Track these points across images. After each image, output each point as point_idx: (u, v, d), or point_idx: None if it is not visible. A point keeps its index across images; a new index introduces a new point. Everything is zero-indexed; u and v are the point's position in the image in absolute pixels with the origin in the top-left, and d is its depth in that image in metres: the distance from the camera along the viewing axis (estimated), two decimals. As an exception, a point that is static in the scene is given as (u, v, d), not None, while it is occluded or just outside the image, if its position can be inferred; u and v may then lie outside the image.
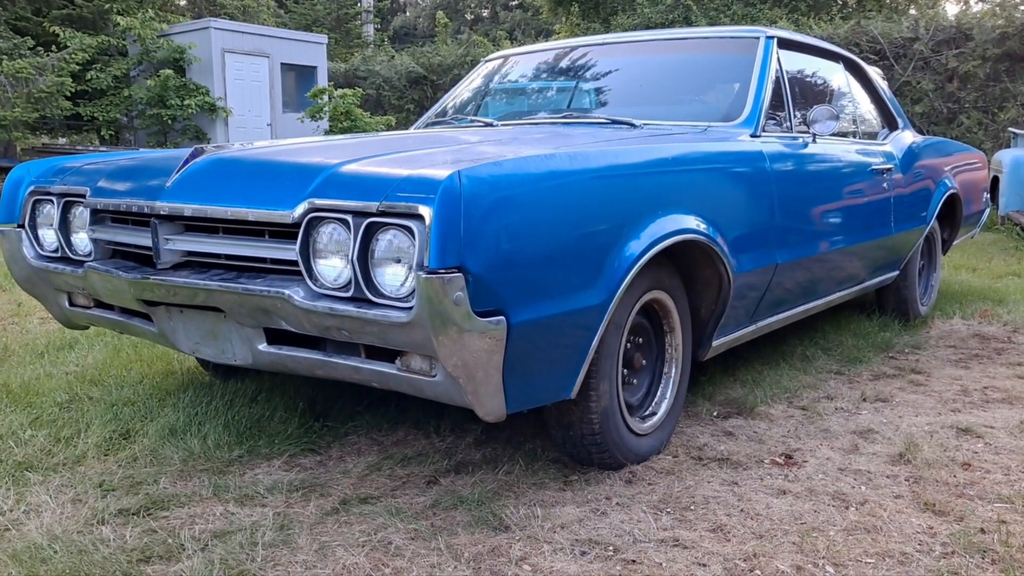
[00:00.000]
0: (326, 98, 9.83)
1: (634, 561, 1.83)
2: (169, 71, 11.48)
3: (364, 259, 1.85)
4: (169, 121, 11.56)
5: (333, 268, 1.93)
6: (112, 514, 2.02)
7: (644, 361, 2.48)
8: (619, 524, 1.99)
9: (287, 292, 1.95)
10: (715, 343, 2.72)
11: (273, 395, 2.82)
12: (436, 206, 1.72)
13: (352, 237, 1.85)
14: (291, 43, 12.91)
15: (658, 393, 2.52)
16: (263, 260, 2.08)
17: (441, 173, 1.76)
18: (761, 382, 3.11)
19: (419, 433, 2.60)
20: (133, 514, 2.03)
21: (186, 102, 11.41)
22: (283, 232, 2.01)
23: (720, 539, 1.93)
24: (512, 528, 1.97)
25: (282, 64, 12.75)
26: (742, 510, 2.07)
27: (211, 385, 2.95)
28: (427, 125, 3.64)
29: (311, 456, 2.43)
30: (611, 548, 1.88)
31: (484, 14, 26.35)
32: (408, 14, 26.04)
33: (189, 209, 2.12)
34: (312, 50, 13.15)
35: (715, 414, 2.81)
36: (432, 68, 13.37)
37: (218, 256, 2.16)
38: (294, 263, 1.97)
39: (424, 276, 1.71)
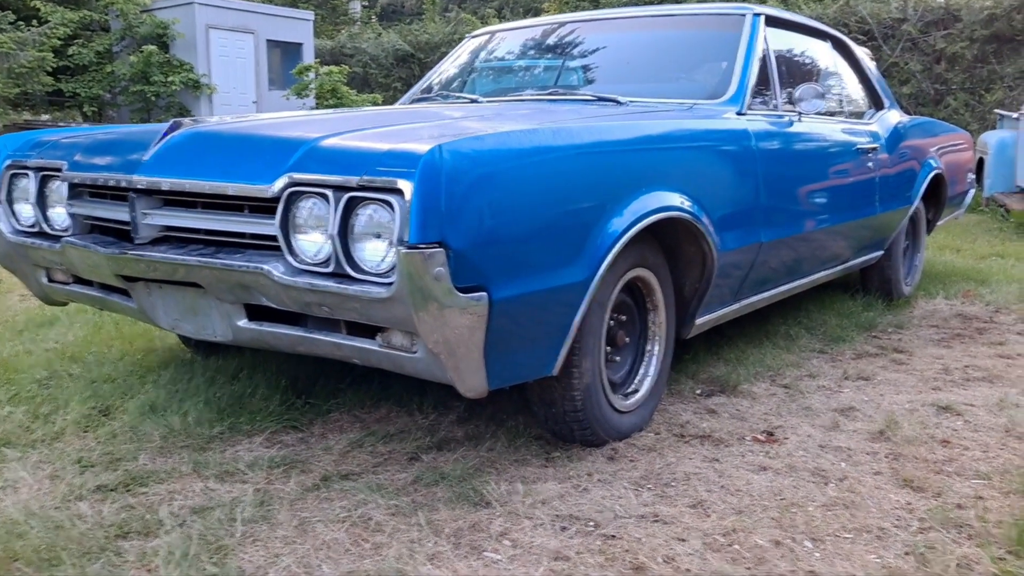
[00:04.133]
0: (312, 75, 9.73)
1: (614, 536, 1.83)
2: (152, 47, 11.34)
3: (344, 234, 1.84)
4: (153, 98, 11.43)
5: (313, 243, 1.91)
6: (90, 490, 2.01)
7: (627, 339, 2.48)
8: (600, 500, 2.00)
9: (266, 267, 1.93)
10: (699, 321, 2.72)
11: (255, 372, 2.80)
12: (416, 180, 1.71)
13: (332, 212, 1.84)
14: (277, 19, 12.77)
15: (641, 371, 2.52)
16: (243, 235, 2.05)
17: (422, 147, 1.74)
18: (744, 360, 3.12)
19: (402, 410, 2.59)
20: (111, 490, 2.02)
21: (170, 78, 11.28)
22: (262, 207, 1.99)
23: (700, 515, 1.94)
24: (493, 504, 1.97)
25: (268, 41, 12.62)
26: (722, 486, 2.08)
27: (192, 362, 2.93)
28: (412, 101, 3.61)
29: (293, 433, 2.42)
30: (591, 524, 1.89)
31: (472, -9, 26.10)
32: (396, -9, 25.75)
33: (167, 183, 2.09)
34: (298, 27, 13.01)
35: (698, 392, 2.82)
36: (419, 46, 13.25)
37: (197, 231, 2.13)
38: (274, 238, 1.95)
39: (404, 251, 1.70)
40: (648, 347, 2.55)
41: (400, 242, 1.72)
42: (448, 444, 2.34)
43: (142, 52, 11.18)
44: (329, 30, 16.70)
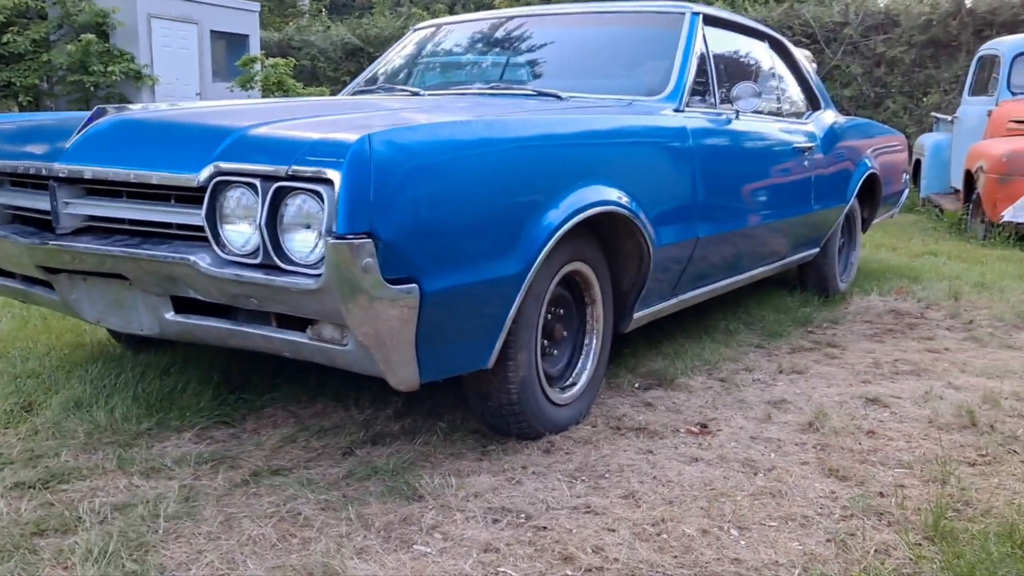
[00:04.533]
0: (257, 67, 9.56)
1: (545, 528, 1.83)
2: (91, 36, 11.02)
3: (272, 225, 1.81)
4: (91, 88, 11.12)
5: (241, 234, 1.87)
6: (7, 487, 1.95)
7: (565, 332, 2.48)
8: (533, 492, 2.00)
9: (193, 258, 1.89)
10: (637, 315, 2.74)
11: (187, 367, 2.74)
12: (345, 170, 1.69)
13: (260, 202, 1.80)
14: (221, 10, 12.53)
15: (579, 364, 2.53)
16: (169, 225, 2.01)
17: (351, 137, 1.72)
18: (683, 354, 3.16)
19: (338, 405, 2.56)
20: (30, 487, 1.96)
21: (109, 68, 10.98)
22: (189, 196, 1.94)
23: (631, 505, 1.95)
24: (425, 497, 1.96)
25: (212, 31, 12.37)
26: (655, 477, 2.10)
27: (122, 357, 2.86)
28: (354, 93, 3.57)
29: (224, 429, 2.38)
30: (523, 515, 1.89)
31: (424, -13, 25.93)
32: (346, -15, 25.44)
33: (90, 171, 2.04)
34: (244, 18, 12.79)
35: (636, 385, 2.84)
36: (369, 40, 13.12)
37: (121, 221, 2.08)
38: (200, 229, 1.91)
39: (332, 241, 1.68)
40: (586, 341, 2.56)
41: (328, 232, 1.69)
42: (383, 439, 2.32)
43: (80, 41, 10.87)
44: (277, 22, 16.45)
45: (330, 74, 12.89)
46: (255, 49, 12.45)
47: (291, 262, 1.80)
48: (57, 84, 11.95)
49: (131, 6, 11.55)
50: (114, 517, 1.82)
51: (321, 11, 17.84)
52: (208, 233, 1.89)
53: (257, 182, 1.81)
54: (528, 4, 12.88)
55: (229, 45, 12.55)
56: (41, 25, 12.03)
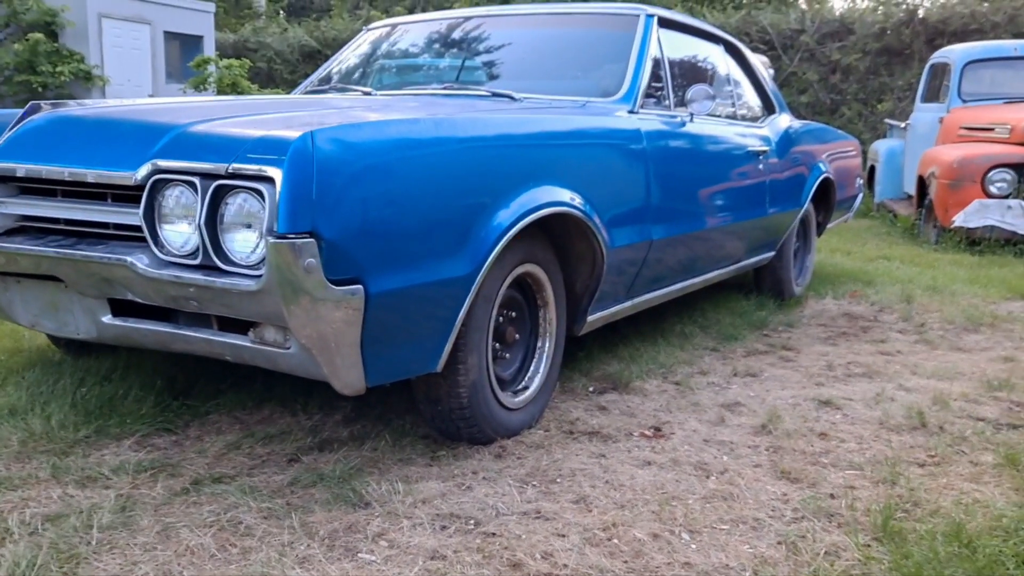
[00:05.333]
0: (211, 68, 9.40)
1: (494, 534, 1.80)
2: (39, 35, 10.75)
3: (212, 224, 1.75)
4: (39, 89, 10.84)
5: (180, 234, 1.81)
6: (-68, 500, 1.86)
7: (517, 335, 2.45)
8: (483, 498, 1.96)
9: (130, 259, 1.82)
10: (591, 318, 2.72)
11: (129, 372, 2.66)
12: (286, 168, 1.64)
13: (199, 201, 1.75)
14: (175, 10, 12.31)
15: (531, 368, 2.50)
16: (105, 225, 1.94)
17: (292, 134, 1.67)
18: (638, 358, 3.15)
19: (285, 411, 2.50)
20: (-44, 499, 1.87)
21: (58, 69, 10.71)
22: (126, 195, 1.88)
23: (582, 510, 1.92)
24: (372, 504, 1.91)
25: (165, 32, 12.15)
26: (607, 481, 2.08)
27: (61, 363, 2.77)
28: (306, 93, 3.51)
29: (166, 436, 2.30)
30: (472, 522, 1.85)
31: (386, -9, 25.78)
32: (306, -13, 25.15)
33: (22, 169, 1.96)
34: (198, 18, 12.58)
35: (591, 389, 2.82)
36: (327, 42, 13.00)
37: (56, 221, 2.00)
38: (138, 229, 1.85)
39: (273, 241, 1.63)
40: (539, 344, 2.53)
41: (269, 232, 1.64)
42: (331, 444, 2.26)
43: (28, 40, 10.60)
44: (233, 23, 16.21)
45: (287, 76, 12.75)
46: (210, 50, 12.25)
47: (231, 263, 1.75)
48: (3, 84, 11.64)
49: (81, 5, 11.30)
50: (45, 528, 1.74)
51: (278, 13, 17.65)
52: (146, 233, 1.83)
53: (196, 180, 1.76)
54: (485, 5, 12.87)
55: (183, 46, 12.34)
56: (-13, 23, 11.72)
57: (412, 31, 3.76)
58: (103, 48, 11.45)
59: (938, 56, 7.63)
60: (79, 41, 11.35)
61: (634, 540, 1.78)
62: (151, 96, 11.84)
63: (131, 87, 11.74)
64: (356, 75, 3.60)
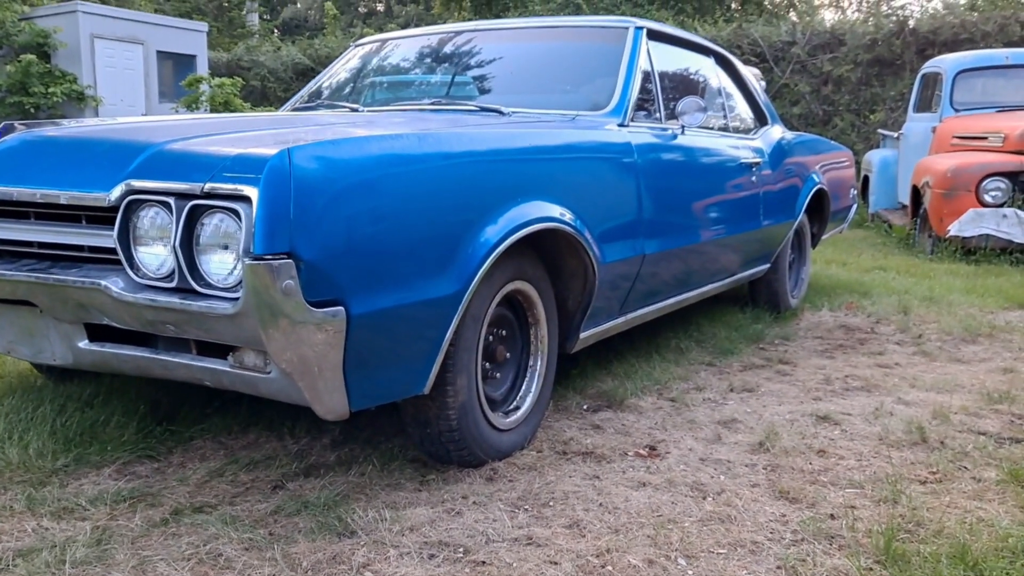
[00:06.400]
0: (204, 87, 9.37)
1: (484, 563, 1.74)
2: (31, 56, 10.73)
3: (188, 246, 1.70)
4: (32, 110, 10.80)
5: (155, 256, 1.76)
6: (-101, 535, 1.79)
7: (508, 354, 2.39)
8: (472, 524, 1.90)
9: (104, 283, 1.77)
10: (583, 335, 2.66)
11: (112, 398, 2.59)
12: (262, 186, 1.59)
13: (175, 221, 1.69)
14: (168, 30, 12.31)
15: (523, 387, 2.45)
16: (80, 248, 1.88)
17: (269, 151, 1.62)
18: (633, 374, 3.09)
19: (271, 435, 2.44)
20: (-75, 534, 1.80)
21: (51, 90, 10.68)
22: (100, 217, 1.83)
23: (575, 535, 1.86)
24: (358, 533, 1.85)
25: (158, 52, 12.13)
26: (600, 504, 2.02)
27: (42, 388, 2.70)
28: (293, 110, 3.46)
29: (148, 463, 2.24)
30: (461, 550, 1.79)
31: (379, 8, 25.91)
32: (299, 5, 25.26)
33: (-7, 191, 1.90)
34: (191, 38, 12.57)
35: (584, 407, 2.76)
36: (320, 60, 13.00)
37: (30, 244, 1.95)
38: (113, 251, 1.79)
39: (249, 262, 1.57)
40: (530, 362, 2.47)
41: (246, 253, 1.59)
42: (317, 470, 2.20)
43: (20, 62, 10.57)
44: (226, 43, 16.22)
45: (280, 95, 12.73)
46: (203, 69, 12.24)
47: (208, 285, 1.70)
48: (-4, 105, 11.61)
49: (73, 26, 11.28)
50: (15, 564, 1.68)
51: (272, 31, 17.67)
52: (121, 255, 1.77)
53: (171, 200, 1.71)
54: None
55: (176, 65, 12.32)
56: (-20, 45, 11.69)
57: (402, 46, 3.73)
58: (96, 68, 11.42)
59: (930, 66, 7.62)
60: (72, 62, 11.33)
61: (629, 567, 1.72)
62: (144, 115, 11.82)
63: (124, 107, 11.71)
64: (345, 91, 3.56)
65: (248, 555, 1.74)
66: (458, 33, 3.56)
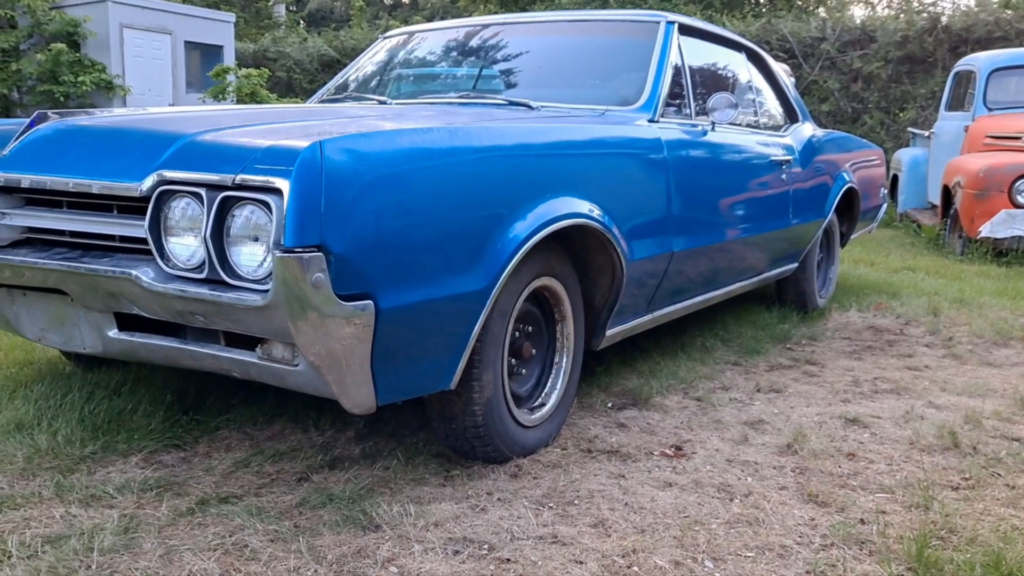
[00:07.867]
0: (231, 78, 9.41)
1: (509, 560, 1.73)
2: (62, 45, 10.82)
3: (219, 237, 1.70)
4: (62, 98, 10.90)
5: (186, 247, 1.76)
6: (-69, 519, 1.81)
7: (534, 351, 2.38)
8: (497, 521, 1.89)
9: (135, 273, 1.77)
10: (610, 332, 2.64)
11: (140, 386, 2.61)
12: (293, 179, 1.58)
13: (205, 213, 1.69)
14: (195, 20, 12.37)
15: (548, 384, 2.43)
16: (111, 238, 1.89)
17: (300, 144, 1.62)
18: (658, 373, 3.07)
19: (296, 427, 2.44)
20: (-44, 519, 1.82)
21: (80, 78, 10.77)
22: (132, 207, 1.83)
23: (600, 535, 1.85)
24: (382, 527, 1.84)
25: (186, 42, 12.20)
26: (626, 503, 2.00)
27: (71, 376, 2.72)
28: (321, 102, 3.46)
29: (174, 452, 2.25)
30: (486, 546, 1.78)
31: (404, 0, 25.94)
32: (326, -3, 25.36)
33: (27, 180, 1.92)
34: (218, 28, 12.63)
35: (609, 405, 2.74)
36: (346, 52, 13.02)
37: (62, 233, 1.96)
38: (144, 241, 1.80)
39: (280, 255, 1.57)
40: (556, 359, 2.46)
41: (276, 246, 1.59)
42: (342, 463, 2.20)
43: (50, 51, 10.67)
44: (253, 33, 16.29)
45: (306, 86, 12.77)
46: (230, 60, 12.29)
47: (238, 277, 1.69)
48: (27, 94, 11.73)
49: (103, 16, 11.36)
50: (44, 551, 1.69)
51: (298, 23, 17.73)
52: (152, 246, 1.78)
53: (203, 192, 1.71)
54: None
55: (204, 56, 12.39)
56: (11, 34, 11.82)
57: (429, 39, 3.71)
58: (124, 58, 11.51)
59: (963, 64, 7.50)
60: (101, 51, 11.42)
61: (655, 568, 1.70)
62: (171, 105, 11.90)
63: (152, 96, 11.80)
64: (372, 84, 3.55)
65: (273, 547, 1.75)
66: (486, 26, 3.54)
